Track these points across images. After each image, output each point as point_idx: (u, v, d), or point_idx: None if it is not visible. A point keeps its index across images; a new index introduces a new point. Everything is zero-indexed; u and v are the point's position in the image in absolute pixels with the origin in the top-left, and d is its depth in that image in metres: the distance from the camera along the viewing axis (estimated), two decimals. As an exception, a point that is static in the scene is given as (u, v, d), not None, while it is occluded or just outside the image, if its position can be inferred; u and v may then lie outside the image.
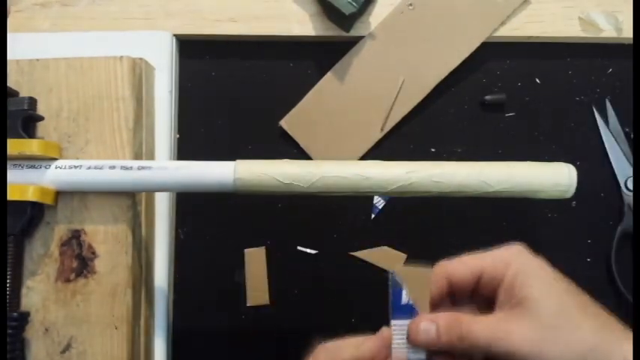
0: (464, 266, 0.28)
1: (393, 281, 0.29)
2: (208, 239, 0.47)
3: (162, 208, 0.45)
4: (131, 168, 0.37)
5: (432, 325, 0.27)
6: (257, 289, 0.46)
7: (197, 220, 0.47)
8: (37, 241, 0.39)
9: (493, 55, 0.48)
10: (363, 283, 0.45)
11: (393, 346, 0.28)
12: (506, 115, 0.48)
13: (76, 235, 0.39)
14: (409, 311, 0.28)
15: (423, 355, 0.28)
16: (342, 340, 0.29)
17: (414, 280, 0.31)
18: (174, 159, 0.47)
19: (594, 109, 0.47)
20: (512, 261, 0.26)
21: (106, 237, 0.39)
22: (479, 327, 0.25)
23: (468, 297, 0.29)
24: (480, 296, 0.29)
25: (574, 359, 0.23)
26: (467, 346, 0.25)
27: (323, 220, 0.47)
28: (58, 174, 0.37)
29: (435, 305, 0.29)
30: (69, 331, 0.39)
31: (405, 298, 0.29)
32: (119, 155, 0.40)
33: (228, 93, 0.48)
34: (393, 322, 0.29)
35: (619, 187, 0.46)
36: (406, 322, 0.28)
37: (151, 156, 0.44)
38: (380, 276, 0.46)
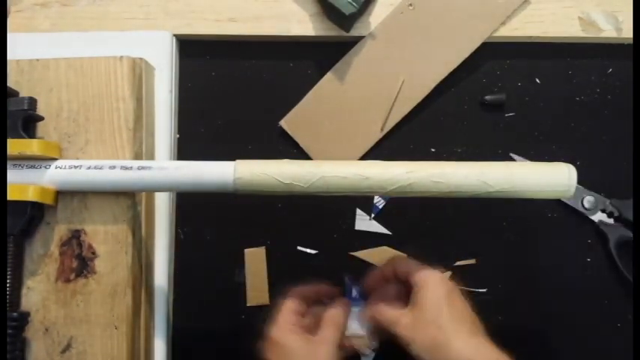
0: (404, 265, 0.39)
1: (347, 285, 0.44)
2: (208, 239, 0.47)
3: (163, 208, 0.45)
4: (131, 168, 0.37)
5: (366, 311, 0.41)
6: (257, 289, 0.46)
7: (197, 220, 0.47)
8: (37, 241, 0.39)
9: (493, 55, 0.48)
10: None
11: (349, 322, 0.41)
12: (506, 115, 0.48)
13: (76, 235, 0.39)
14: (358, 300, 0.43)
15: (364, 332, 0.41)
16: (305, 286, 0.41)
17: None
18: (174, 159, 0.47)
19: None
20: (428, 276, 0.37)
21: (106, 237, 0.39)
22: (386, 314, 0.38)
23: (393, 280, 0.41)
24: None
25: (427, 345, 0.34)
26: (380, 325, 0.38)
27: (323, 220, 0.47)
28: (58, 174, 0.37)
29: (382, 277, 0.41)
30: (69, 331, 0.39)
31: (354, 293, 0.43)
32: (119, 155, 0.40)
33: (228, 93, 0.48)
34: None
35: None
36: (356, 309, 0.41)
37: (151, 156, 0.44)
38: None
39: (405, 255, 0.45)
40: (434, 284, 0.36)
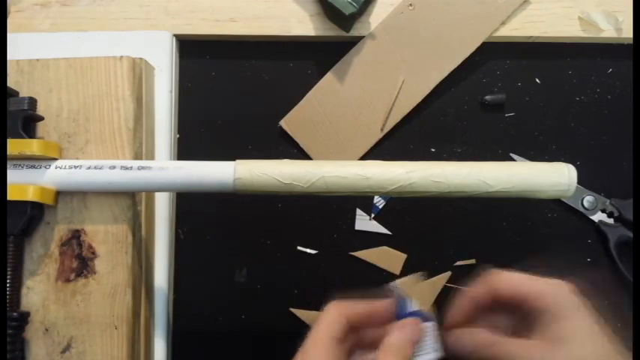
0: (513, 284, 0.30)
1: (397, 294, 0.32)
2: (208, 239, 0.47)
3: (163, 208, 0.45)
4: (131, 168, 0.37)
5: (469, 340, 0.30)
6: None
7: (197, 220, 0.47)
8: (37, 241, 0.39)
9: (493, 55, 0.48)
10: (363, 283, 0.45)
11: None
12: (506, 115, 0.48)
13: (76, 235, 0.39)
14: (418, 316, 0.31)
15: (433, 356, 0.30)
16: (353, 300, 0.31)
17: (413, 292, 0.35)
18: (174, 159, 0.47)
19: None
20: (560, 296, 0.29)
21: (106, 237, 0.39)
22: (514, 347, 0.28)
23: (488, 310, 0.32)
24: (504, 315, 0.32)
25: None
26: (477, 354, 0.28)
27: (323, 220, 0.47)
28: (58, 174, 0.37)
29: (461, 311, 0.32)
30: (69, 331, 0.39)
31: (410, 306, 0.31)
32: (119, 155, 0.40)
33: (228, 93, 0.48)
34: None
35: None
36: (429, 323, 0.31)
37: (151, 156, 0.44)
38: (380, 276, 0.46)
39: (502, 271, 0.32)
40: (581, 314, 0.28)
